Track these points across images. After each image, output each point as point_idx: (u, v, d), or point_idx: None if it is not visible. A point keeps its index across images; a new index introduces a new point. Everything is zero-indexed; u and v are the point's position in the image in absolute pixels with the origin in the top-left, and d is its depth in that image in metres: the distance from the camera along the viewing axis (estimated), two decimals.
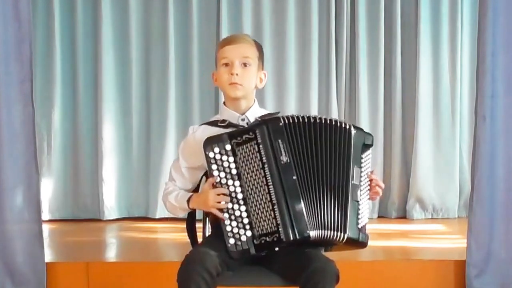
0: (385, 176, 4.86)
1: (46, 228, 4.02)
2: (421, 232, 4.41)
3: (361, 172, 2.21)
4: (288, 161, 2.12)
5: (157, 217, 4.85)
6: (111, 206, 4.89)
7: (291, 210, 2.09)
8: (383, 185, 2.31)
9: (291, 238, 2.08)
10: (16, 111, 3.04)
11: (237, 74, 2.25)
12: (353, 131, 2.22)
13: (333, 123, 2.20)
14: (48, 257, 3.28)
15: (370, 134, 2.30)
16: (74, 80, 4.92)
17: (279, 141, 2.13)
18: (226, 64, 2.28)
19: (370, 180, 2.26)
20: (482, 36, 3.05)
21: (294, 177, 2.12)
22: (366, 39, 4.93)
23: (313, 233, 2.10)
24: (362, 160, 2.23)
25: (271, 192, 2.10)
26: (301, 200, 2.11)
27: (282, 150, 2.12)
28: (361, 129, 2.27)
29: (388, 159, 4.93)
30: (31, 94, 3.05)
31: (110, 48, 4.90)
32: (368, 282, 3.21)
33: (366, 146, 2.25)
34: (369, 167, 2.26)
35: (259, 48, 2.35)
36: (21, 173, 3.07)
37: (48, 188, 4.84)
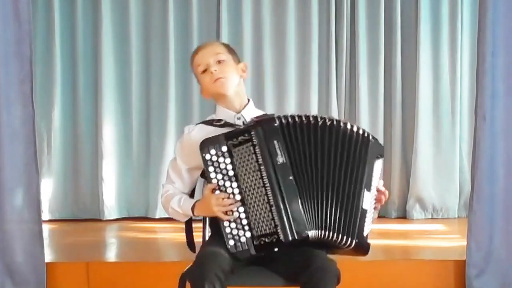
0: (385, 176, 4.84)
1: (46, 228, 4.02)
2: (421, 232, 4.41)
3: (372, 181, 2.20)
4: (284, 161, 2.11)
5: (157, 217, 4.86)
6: (111, 206, 4.89)
7: (289, 211, 2.08)
8: (386, 196, 2.28)
9: (290, 239, 2.07)
10: (16, 111, 3.04)
11: (215, 70, 2.28)
12: (371, 140, 2.21)
13: (349, 126, 2.17)
14: (48, 257, 3.28)
15: (383, 146, 2.29)
16: (74, 80, 4.93)
17: (275, 141, 2.11)
18: (204, 71, 2.31)
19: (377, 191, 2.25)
20: (482, 36, 3.05)
21: (291, 177, 2.10)
22: (366, 39, 4.93)
23: (311, 233, 2.09)
24: (374, 170, 2.21)
25: (268, 193, 2.09)
26: (299, 200, 2.10)
27: (278, 150, 2.11)
28: (377, 139, 2.26)
29: (388, 159, 4.92)
30: (31, 94, 3.05)
31: (110, 48, 4.90)
32: (368, 282, 3.21)
33: (378, 157, 2.24)
34: (379, 178, 2.25)
35: (226, 45, 2.43)
36: (21, 173, 3.07)
37: (48, 188, 4.85)
